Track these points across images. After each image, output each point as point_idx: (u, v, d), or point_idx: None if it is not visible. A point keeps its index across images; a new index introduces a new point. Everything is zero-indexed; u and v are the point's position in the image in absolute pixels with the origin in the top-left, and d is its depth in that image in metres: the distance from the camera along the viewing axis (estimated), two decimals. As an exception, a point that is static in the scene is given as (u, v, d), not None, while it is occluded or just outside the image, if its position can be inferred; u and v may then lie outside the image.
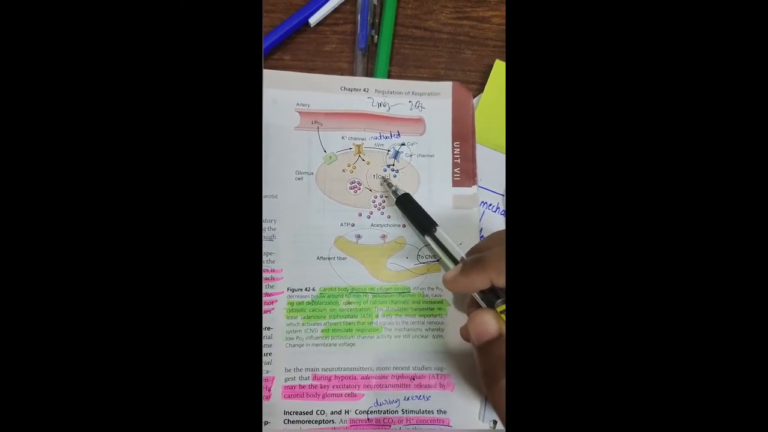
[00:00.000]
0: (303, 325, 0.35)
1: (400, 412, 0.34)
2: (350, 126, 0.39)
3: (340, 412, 0.34)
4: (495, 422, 0.34)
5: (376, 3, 0.42)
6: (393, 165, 0.38)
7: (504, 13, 0.42)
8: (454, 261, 0.32)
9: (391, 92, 0.39)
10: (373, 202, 0.37)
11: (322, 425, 0.33)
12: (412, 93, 0.40)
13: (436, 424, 0.34)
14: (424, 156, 0.38)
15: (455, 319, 0.35)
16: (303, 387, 0.34)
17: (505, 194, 0.38)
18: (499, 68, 0.40)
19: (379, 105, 0.39)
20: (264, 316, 0.35)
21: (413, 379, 0.34)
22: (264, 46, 0.40)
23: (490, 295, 0.30)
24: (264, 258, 0.36)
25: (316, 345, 0.35)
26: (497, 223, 0.38)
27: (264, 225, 0.36)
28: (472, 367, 0.34)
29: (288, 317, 0.35)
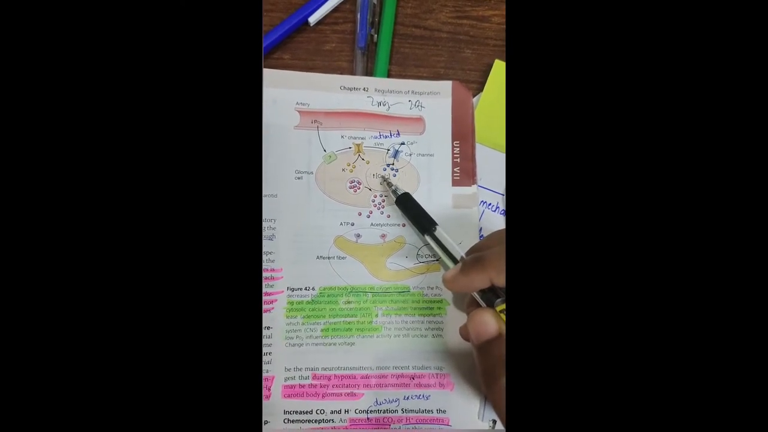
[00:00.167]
0: (303, 324, 0.35)
1: (400, 412, 0.34)
2: (350, 125, 0.39)
3: (339, 412, 0.34)
4: (494, 422, 0.34)
5: (375, 2, 0.42)
6: (393, 164, 0.38)
7: (504, 12, 0.42)
8: (454, 260, 0.32)
9: (390, 91, 0.39)
10: (373, 201, 0.37)
11: (322, 425, 0.33)
12: (412, 92, 0.40)
13: (436, 424, 0.34)
14: (423, 155, 0.38)
15: (455, 318, 0.35)
16: (303, 386, 0.34)
17: (504, 193, 0.38)
18: (499, 67, 0.40)
19: (379, 104, 0.39)
20: (264, 315, 0.35)
21: (413, 378, 0.34)
22: (264, 45, 0.40)
23: (489, 295, 0.30)
24: (264, 257, 0.36)
25: (316, 344, 0.35)
26: (497, 222, 0.38)
27: (264, 224, 0.36)
28: (472, 366, 0.34)
29: (288, 317, 0.35)
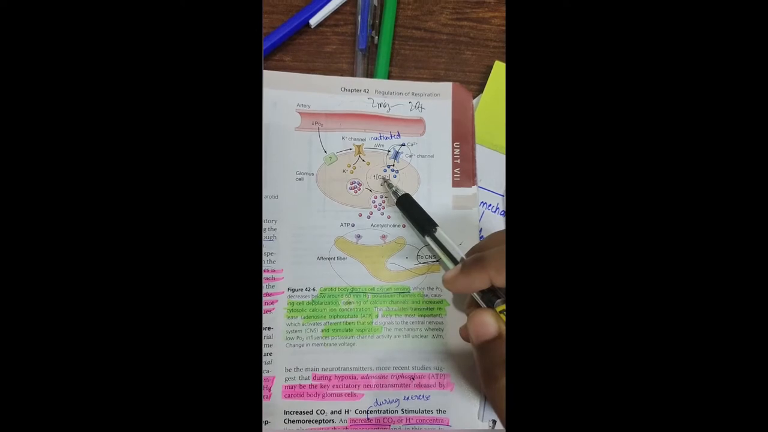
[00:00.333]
0: (303, 325, 0.35)
1: (400, 412, 0.34)
2: (350, 126, 0.39)
3: (340, 412, 0.34)
4: (494, 422, 0.34)
5: (376, 4, 0.42)
6: (393, 165, 0.38)
7: (504, 14, 0.42)
8: (454, 261, 0.33)
9: (391, 93, 0.40)
10: (373, 202, 0.37)
11: (322, 425, 0.34)
12: (412, 94, 0.40)
13: (436, 424, 0.34)
14: (424, 156, 0.38)
15: (455, 319, 0.35)
16: (303, 387, 0.34)
17: (504, 194, 0.38)
18: (499, 69, 0.40)
19: (379, 106, 0.39)
20: (264, 316, 0.35)
21: (413, 378, 0.34)
22: (264, 47, 0.40)
23: (489, 295, 0.30)
24: (264, 258, 0.36)
25: (316, 345, 0.35)
26: (497, 223, 0.38)
27: (264, 225, 0.36)
28: (472, 366, 0.34)
29: (288, 317, 0.35)
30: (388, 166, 0.38)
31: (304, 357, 0.34)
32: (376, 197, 0.37)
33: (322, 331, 0.35)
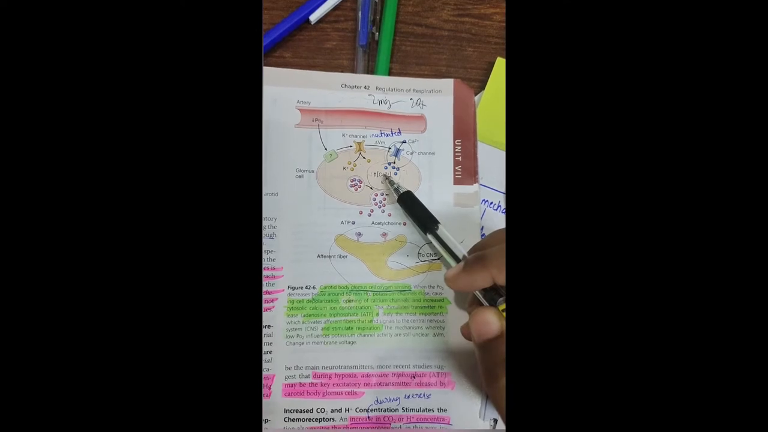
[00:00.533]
0: (303, 323, 0.35)
1: (401, 411, 0.34)
2: (351, 123, 0.38)
3: (340, 410, 0.34)
4: (495, 421, 0.34)
5: (377, 0, 0.42)
6: (394, 163, 0.38)
7: (505, 10, 0.42)
8: (456, 259, 0.32)
9: (392, 89, 0.39)
10: (374, 200, 0.37)
11: (323, 423, 0.33)
12: (413, 90, 0.39)
13: (437, 423, 0.34)
14: (425, 154, 0.38)
15: (456, 317, 0.35)
16: (303, 385, 0.34)
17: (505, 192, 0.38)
18: (501, 66, 0.40)
19: (380, 102, 0.39)
20: (264, 314, 0.35)
21: (414, 377, 0.34)
22: (265, 44, 0.40)
23: (491, 293, 0.30)
24: (264, 256, 0.36)
25: (317, 343, 0.34)
26: (498, 221, 0.38)
27: (264, 223, 0.36)
28: (473, 365, 0.34)
29: (288, 315, 0.35)
30: (389, 164, 0.38)
31: (305, 355, 0.34)
32: (376, 195, 0.37)
33: (323, 329, 0.35)
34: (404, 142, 0.38)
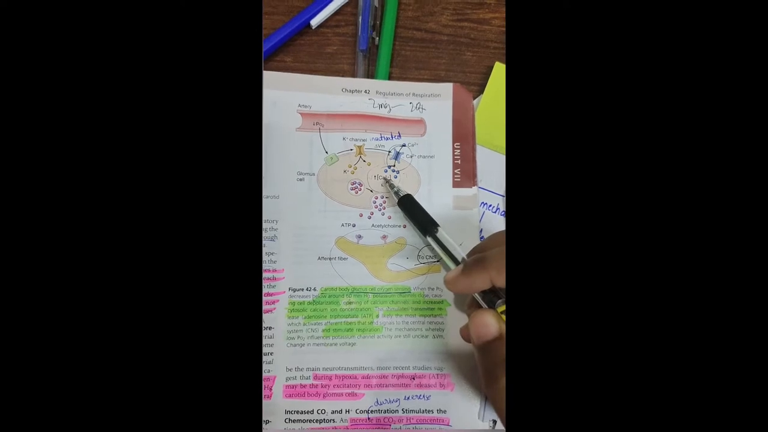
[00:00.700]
0: (304, 324, 0.35)
1: (401, 412, 0.34)
2: (351, 127, 0.39)
3: (340, 412, 0.34)
4: (495, 422, 0.34)
5: (377, 5, 0.42)
6: (394, 166, 0.38)
7: (504, 15, 0.43)
8: (456, 262, 0.33)
9: (391, 94, 0.40)
10: (374, 202, 0.37)
11: (323, 424, 0.34)
12: (413, 94, 0.40)
13: (436, 424, 0.34)
14: (424, 157, 0.39)
15: (455, 319, 0.35)
16: (304, 386, 0.34)
17: (505, 195, 0.38)
18: (499, 70, 0.40)
19: (380, 106, 0.39)
20: (265, 315, 0.35)
21: (413, 378, 0.34)
22: (266, 48, 0.40)
23: (490, 296, 0.30)
24: (266, 258, 0.36)
25: (317, 345, 0.35)
26: (497, 223, 0.38)
27: (266, 225, 0.36)
28: (472, 367, 0.34)
29: (289, 317, 0.35)
30: (389, 167, 0.38)
31: (305, 357, 0.34)
32: (376, 197, 0.38)
33: (323, 330, 0.35)
34: (404, 145, 0.39)
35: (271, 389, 0.34)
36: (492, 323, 0.28)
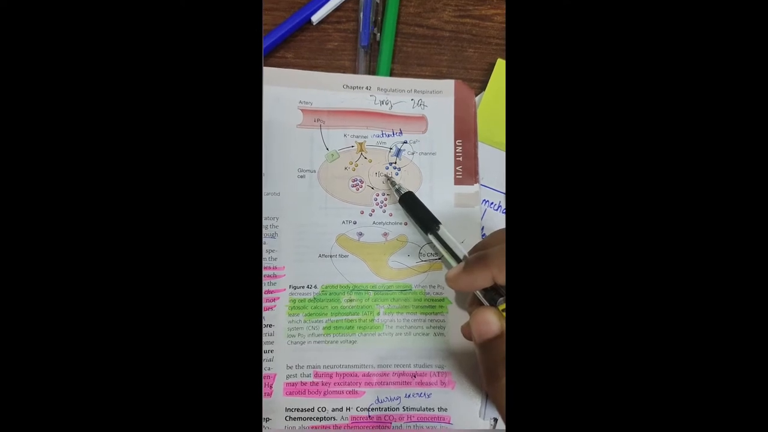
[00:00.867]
0: (305, 322, 0.35)
1: (401, 410, 0.34)
2: (352, 124, 0.39)
3: (341, 409, 0.34)
4: (495, 420, 0.34)
5: (378, 1, 0.42)
6: (395, 163, 0.38)
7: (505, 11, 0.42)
8: (457, 259, 0.32)
9: (393, 90, 0.39)
10: (375, 199, 0.37)
11: (324, 422, 0.34)
12: (415, 91, 0.40)
13: (437, 422, 0.34)
14: (426, 154, 0.38)
15: (456, 316, 0.35)
16: (304, 384, 0.34)
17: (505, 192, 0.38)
18: (501, 66, 0.40)
19: (382, 103, 0.39)
20: (266, 313, 0.35)
21: (414, 376, 0.34)
22: (266, 44, 0.40)
23: (492, 293, 0.30)
24: (266, 255, 0.36)
25: (318, 342, 0.35)
26: (499, 221, 0.38)
27: (266, 222, 0.36)
28: (473, 365, 0.34)
29: (290, 314, 0.35)
30: (390, 164, 0.38)
31: (306, 354, 0.34)
32: (378, 195, 0.37)
33: (324, 328, 0.35)
34: (405, 142, 0.38)
35: (271, 387, 0.34)
36: (493, 321, 0.28)
